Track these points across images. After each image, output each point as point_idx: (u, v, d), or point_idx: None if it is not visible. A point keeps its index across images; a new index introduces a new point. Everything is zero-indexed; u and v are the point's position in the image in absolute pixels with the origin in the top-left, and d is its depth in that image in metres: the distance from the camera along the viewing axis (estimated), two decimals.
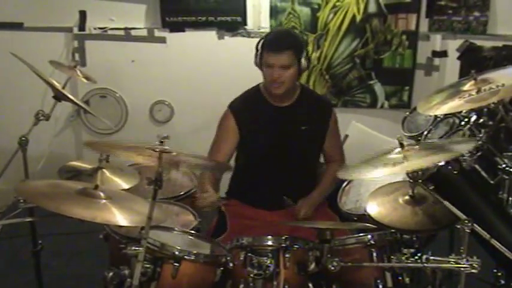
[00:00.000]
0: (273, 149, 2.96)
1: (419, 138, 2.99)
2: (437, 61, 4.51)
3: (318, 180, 3.10)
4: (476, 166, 2.44)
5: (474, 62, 4.24)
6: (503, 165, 2.41)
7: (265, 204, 2.98)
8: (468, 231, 1.95)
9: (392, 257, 2.18)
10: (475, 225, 1.96)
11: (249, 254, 2.28)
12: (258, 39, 2.92)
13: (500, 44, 4.29)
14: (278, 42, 2.85)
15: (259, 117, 2.98)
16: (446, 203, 2.05)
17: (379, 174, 2.12)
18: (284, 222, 2.81)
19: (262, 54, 2.85)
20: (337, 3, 4.36)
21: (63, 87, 2.97)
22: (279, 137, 2.97)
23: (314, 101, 3.11)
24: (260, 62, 2.89)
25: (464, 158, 2.39)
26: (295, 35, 3.16)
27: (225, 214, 2.97)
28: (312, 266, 2.26)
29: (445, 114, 2.86)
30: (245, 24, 4.44)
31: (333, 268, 2.15)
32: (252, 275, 2.23)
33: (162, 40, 4.52)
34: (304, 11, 4.39)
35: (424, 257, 2.05)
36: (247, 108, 3.00)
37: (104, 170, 2.70)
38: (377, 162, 2.15)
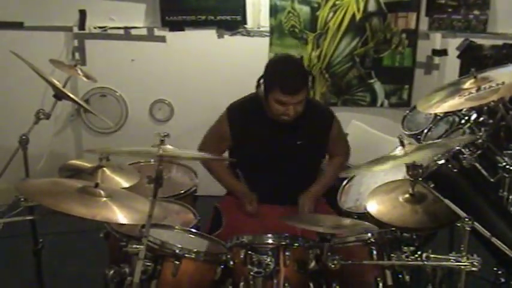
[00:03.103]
0: (267, 160, 2.95)
1: (419, 136, 3.00)
2: (437, 60, 4.52)
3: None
4: (477, 164, 2.44)
5: (474, 61, 4.24)
6: (504, 164, 2.42)
7: (261, 201, 2.96)
8: (468, 229, 1.96)
9: (392, 255, 2.18)
10: (475, 223, 1.97)
11: (249, 252, 2.28)
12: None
13: (500, 42, 4.29)
14: (293, 85, 2.75)
15: (255, 129, 2.96)
16: (446, 201, 2.05)
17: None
18: (282, 219, 2.80)
19: (272, 90, 2.77)
20: (337, 2, 4.36)
21: (64, 86, 2.97)
22: (274, 150, 2.94)
23: (315, 113, 3.01)
24: (267, 94, 2.82)
25: (465, 156, 2.39)
26: (304, 69, 3.02)
27: (220, 210, 2.98)
28: (312, 264, 2.26)
29: (445, 113, 2.87)
30: (245, 23, 4.44)
31: (333, 266, 2.15)
32: (252, 273, 2.23)
33: (162, 39, 4.52)
34: (304, 10, 4.39)
35: (424, 255, 2.05)
36: (244, 117, 2.99)
37: (104, 168, 2.70)
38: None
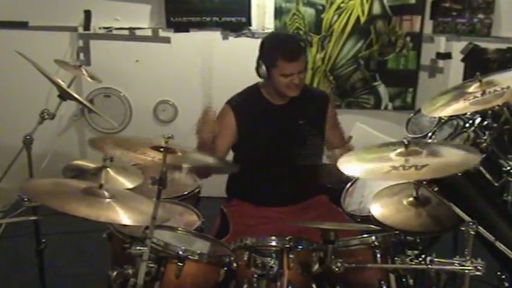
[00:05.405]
0: (273, 145, 2.95)
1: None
2: (441, 63, 4.51)
3: (321, 176, 3.09)
4: (481, 168, 2.44)
5: (478, 64, 4.24)
6: (508, 168, 2.41)
7: (267, 201, 2.97)
8: (473, 233, 1.95)
9: (396, 258, 2.18)
10: (479, 227, 1.96)
11: (253, 255, 2.28)
12: (260, 41, 2.91)
13: (504, 46, 4.30)
14: (294, 51, 2.83)
15: (258, 115, 2.97)
16: (450, 204, 2.04)
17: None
18: (288, 222, 2.81)
19: (275, 63, 2.81)
20: (342, 5, 4.36)
21: (68, 86, 2.98)
22: (279, 133, 2.96)
23: (310, 95, 3.10)
24: (269, 70, 2.85)
25: None
26: (298, 37, 3.19)
27: (227, 215, 2.97)
28: (316, 266, 2.25)
29: (449, 116, 2.86)
30: (249, 24, 4.45)
31: (336, 269, 2.15)
32: (255, 276, 2.22)
33: (167, 40, 4.53)
34: (309, 12, 4.39)
35: (428, 258, 2.04)
36: (246, 105, 3.00)
37: (108, 169, 2.70)
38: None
